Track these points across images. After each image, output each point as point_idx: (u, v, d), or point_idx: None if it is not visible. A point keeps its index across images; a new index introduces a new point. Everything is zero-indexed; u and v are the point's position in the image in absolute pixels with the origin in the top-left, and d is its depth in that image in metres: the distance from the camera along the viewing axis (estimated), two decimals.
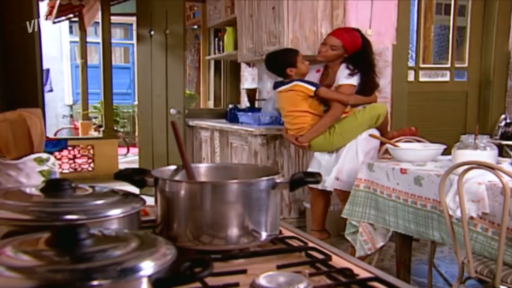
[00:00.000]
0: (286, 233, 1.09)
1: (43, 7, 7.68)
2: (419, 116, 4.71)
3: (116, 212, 0.84)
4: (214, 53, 6.33)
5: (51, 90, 10.85)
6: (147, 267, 0.58)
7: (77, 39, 9.12)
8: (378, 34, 4.33)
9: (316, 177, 0.99)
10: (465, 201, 2.12)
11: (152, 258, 0.60)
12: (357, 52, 3.37)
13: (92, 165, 7.18)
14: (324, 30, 4.13)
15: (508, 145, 4.51)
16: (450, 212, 2.20)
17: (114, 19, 7.70)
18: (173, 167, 1.10)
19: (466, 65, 4.99)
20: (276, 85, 3.52)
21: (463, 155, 2.38)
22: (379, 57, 4.31)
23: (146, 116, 5.67)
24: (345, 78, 3.33)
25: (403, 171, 2.62)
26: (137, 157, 6.23)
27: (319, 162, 3.53)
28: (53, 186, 0.88)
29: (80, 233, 0.63)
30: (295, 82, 3.37)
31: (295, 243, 1.03)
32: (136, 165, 6.21)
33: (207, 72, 6.92)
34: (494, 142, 2.96)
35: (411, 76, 4.79)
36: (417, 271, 3.27)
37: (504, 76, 4.89)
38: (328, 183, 3.38)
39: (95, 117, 9.87)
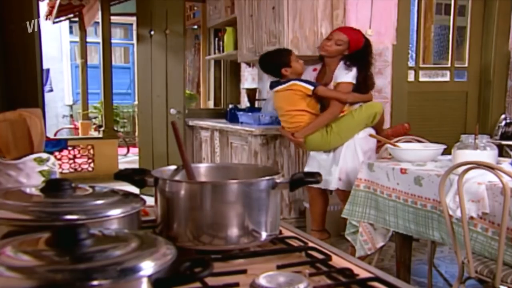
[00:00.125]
0: (286, 233, 1.09)
1: (43, 7, 7.68)
2: (419, 116, 4.71)
3: (116, 212, 0.84)
4: (214, 53, 6.33)
5: (51, 90, 10.85)
6: (147, 267, 0.58)
7: (77, 39, 9.12)
8: (378, 34, 4.33)
9: (316, 177, 0.99)
10: (465, 201, 2.12)
11: (152, 258, 0.60)
12: (358, 51, 3.39)
13: (92, 165, 7.18)
14: (324, 30, 4.13)
15: (508, 145, 4.51)
16: (450, 212, 2.20)
17: (114, 19, 7.70)
18: (173, 167, 1.10)
19: (466, 65, 4.99)
20: (272, 85, 3.52)
21: (463, 155, 2.38)
22: (379, 57, 4.32)
23: (146, 116, 5.67)
24: (344, 76, 3.34)
25: (403, 171, 2.62)
26: (137, 157, 6.23)
27: (318, 161, 3.53)
28: (53, 186, 0.88)
29: (80, 233, 0.63)
30: (292, 82, 3.37)
31: (295, 243, 1.03)
32: (136, 165, 6.21)
33: (207, 72, 6.91)
34: (494, 142, 2.97)
35: (411, 76, 4.79)
36: (417, 271, 3.27)
37: (504, 76, 4.88)
38: (331, 183, 3.39)
39: (95, 117, 9.87)
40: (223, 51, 5.79)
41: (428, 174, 2.48)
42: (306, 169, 3.57)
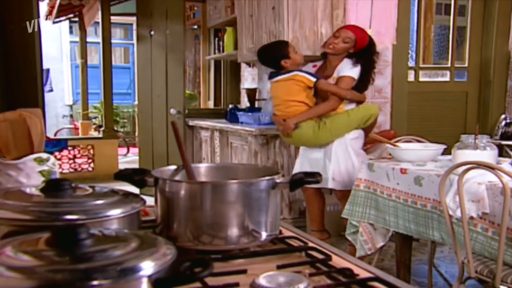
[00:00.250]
0: (286, 233, 1.09)
1: (43, 7, 7.68)
2: (419, 116, 4.71)
3: (116, 212, 0.84)
4: (214, 53, 6.33)
5: (51, 90, 10.85)
6: (147, 267, 0.58)
7: (77, 39, 9.12)
8: (378, 34, 4.32)
9: (316, 177, 0.99)
10: (465, 201, 2.12)
11: (152, 258, 0.60)
12: (362, 49, 3.40)
13: (92, 165, 7.18)
14: (324, 30, 4.13)
15: (508, 145, 4.51)
16: (450, 212, 2.20)
17: (114, 19, 7.70)
18: (173, 167, 1.10)
19: (466, 65, 4.99)
20: (272, 75, 3.51)
21: (463, 155, 2.38)
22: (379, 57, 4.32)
23: (146, 116, 5.67)
24: (349, 70, 3.35)
25: (403, 171, 2.63)
26: (137, 157, 6.23)
27: (309, 161, 3.52)
28: (53, 186, 0.88)
29: (80, 233, 0.63)
30: (296, 72, 3.37)
31: (295, 243, 1.03)
32: (136, 165, 6.21)
33: (207, 72, 6.92)
34: (494, 142, 2.96)
35: (411, 76, 4.79)
36: (417, 271, 3.27)
37: (504, 76, 4.89)
38: (325, 182, 3.38)
39: (95, 117, 9.87)
40: (223, 51, 5.79)
41: (428, 174, 2.48)
42: (298, 169, 3.54)
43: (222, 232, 0.94)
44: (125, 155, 9.38)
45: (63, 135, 10.53)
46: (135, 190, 0.99)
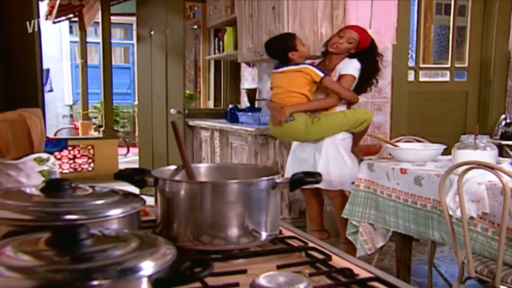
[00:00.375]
0: (286, 233, 1.09)
1: (43, 7, 7.68)
2: (419, 116, 4.71)
3: (116, 212, 0.84)
4: (214, 53, 6.33)
5: (51, 90, 10.84)
6: (147, 267, 0.58)
7: (77, 39, 9.12)
8: (378, 34, 4.32)
9: (316, 177, 0.99)
10: (465, 201, 2.12)
11: (152, 258, 0.60)
12: (364, 50, 3.42)
13: (92, 165, 7.18)
14: (324, 30, 4.13)
15: (508, 145, 4.51)
16: (450, 212, 2.20)
17: (114, 19, 7.70)
18: (173, 167, 1.10)
19: (466, 65, 4.99)
20: (278, 66, 3.52)
21: (463, 155, 2.38)
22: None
23: (146, 116, 5.67)
24: (352, 69, 3.38)
25: (403, 171, 2.63)
26: (137, 157, 6.23)
27: (300, 161, 3.51)
28: (53, 186, 0.88)
29: (80, 233, 0.63)
30: (305, 65, 3.38)
31: (295, 243, 1.03)
32: (136, 165, 6.21)
33: (207, 72, 6.91)
34: (494, 142, 2.96)
35: (411, 76, 4.79)
36: (417, 271, 3.27)
37: (504, 76, 4.88)
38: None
39: (95, 117, 9.87)
40: (223, 51, 5.79)
41: (428, 174, 2.48)
42: (291, 169, 3.51)
43: (222, 232, 0.94)
44: (125, 155, 9.38)
45: (63, 135, 10.53)
46: (135, 190, 0.99)
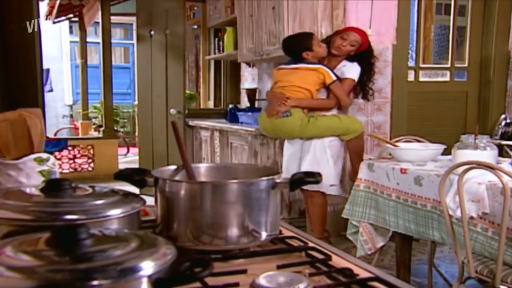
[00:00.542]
0: (286, 233, 1.09)
1: (43, 7, 7.68)
2: (419, 116, 4.71)
3: (116, 212, 0.84)
4: (214, 53, 6.33)
5: (51, 90, 10.85)
6: (147, 267, 0.58)
7: (77, 39, 9.12)
8: (378, 34, 4.33)
9: (316, 177, 0.99)
10: (465, 201, 2.12)
11: (152, 258, 0.60)
12: (361, 52, 3.49)
13: (92, 165, 7.18)
14: (324, 30, 4.13)
15: (508, 145, 4.51)
16: (450, 212, 2.20)
17: (114, 19, 7.70)
18: (173, 167, 1.10)
19: (466, 65, 4.98)
20: (290, 62, 3.54)
21: (463, 155, 2.38)
22: (379, 57, 4.31)
23: (146, 116, 5.67)
24: (354, 73, 3.45)
25: (403, 171, 2.62)
26: (137, 157, 6.23)
27: (291, 161, 3.54)
28: (53, 186, 0.88)
29: (80, 233, 0.63)
30: (320, 66, 3.42)
31: (295, 243, 1.02)
32: (136, 165, 6.21)
33: (207, 72, 6.91)
34: (494, 142, 2.96)
35: (411, 76, 4.78)
36: (417, 271, 3.27)
37: (504, 76, 4.88)
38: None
39: (95, 117, 9.86)
40: (223, 51, 5.79)
41: (428, 174, 2.48)
42: (286, 167, 3.57)
43: (222, 232, 0.94)
44: (125, 155, 9.38)
45: (63, 135, 10.53)
46: (135, 190, 0.99)
